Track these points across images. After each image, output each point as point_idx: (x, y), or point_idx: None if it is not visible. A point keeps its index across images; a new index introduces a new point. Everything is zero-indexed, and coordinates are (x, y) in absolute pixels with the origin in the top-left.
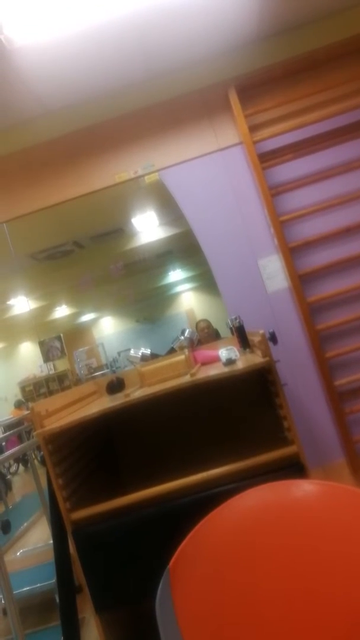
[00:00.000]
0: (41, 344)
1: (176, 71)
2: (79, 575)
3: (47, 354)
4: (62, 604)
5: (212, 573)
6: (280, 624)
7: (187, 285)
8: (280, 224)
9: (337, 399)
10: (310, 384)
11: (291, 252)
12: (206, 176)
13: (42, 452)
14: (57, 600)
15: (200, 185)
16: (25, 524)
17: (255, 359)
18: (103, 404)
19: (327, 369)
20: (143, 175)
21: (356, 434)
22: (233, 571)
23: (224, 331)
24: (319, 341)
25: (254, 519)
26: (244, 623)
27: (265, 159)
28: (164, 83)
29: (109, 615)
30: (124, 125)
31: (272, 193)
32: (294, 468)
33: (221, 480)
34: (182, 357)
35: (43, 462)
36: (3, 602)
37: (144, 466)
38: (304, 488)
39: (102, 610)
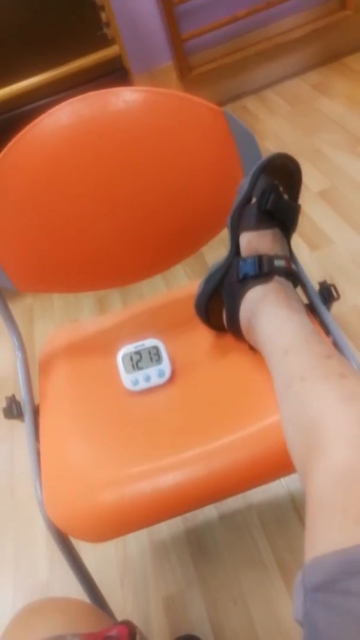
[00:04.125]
0: None
1: None
2: None
3: None
4: None
5: (30, 203)
6: (112, 248)
7: None
8: None
9: None
10: None
11: None
12: None
13: None
14: None
15: None
16: None
17: None
18: None
19: None
20: None
21: (184, 30)
22: (54, 197)
23: None
24: None
25: (70, 136)
26: (71, 251)
27: None
28: None
29: None
30: None
31: None
32: (116, 74)
33: (31, 95)
34: None
35: None
36: None
37: None
38: (124, 97)
39: None
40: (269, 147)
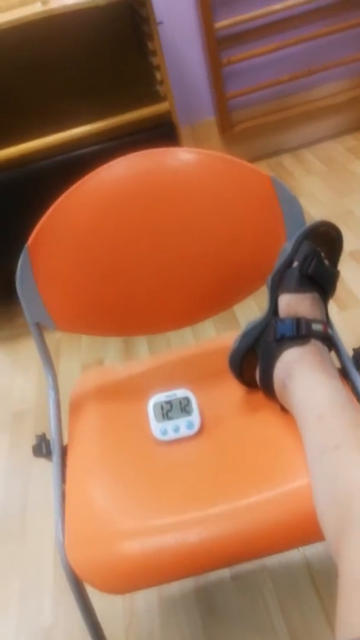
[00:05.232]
0: None
1: None
2: None
3: None
4: None
5: (78, 248)
6: (152, 296)
7: None
8: None
9: (215, 45)
10: (186, 25)
11: None
12: None
13: None
14: None
15: None
16: None
17: None
18: None
19: (208, 3)
20: None
21: (230, 88)
22: (101, 244)
23: None
24: None
25: (123, 190)
26: (113, 297)
27: None
28: None
29: None
30: None
31: None
32: (164, 128)
33: (85, 140)
34: None
35: None
36: None
37: None
38: (179, 157)
39: None
40: (303, 203)
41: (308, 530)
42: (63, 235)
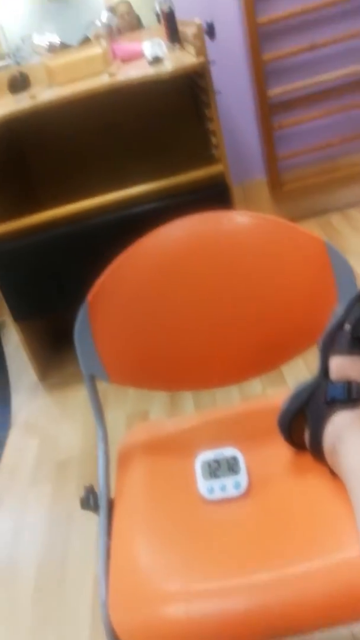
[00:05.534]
0: None
1: None
2: None
3: None
4: None
5: (135, 305)
6: (203, 354)
7: None
8: None
9: (267, 111)
10: (241, 93)
11: None
12: None
13: None
14: None
15: None
16: None
17: (186, 57)
18: (6, 104)
19: (262, 74)
20: None
21: (280, 151)
22: (157, 302)
23: (148, 19)
24: (257, 38)
25: (181, 251)
26: (165, 353)
27: None
28: None
29: (28, 324)
30: None
31: None
32: (218, 188)
33: (143, 199)
34: (98, 50)
35: None
36: None
37: (60, 182)
38: (235, 220)
39: (20, 320)
40: (351, 262)
41: (359, 605)
42: (121, 292)
